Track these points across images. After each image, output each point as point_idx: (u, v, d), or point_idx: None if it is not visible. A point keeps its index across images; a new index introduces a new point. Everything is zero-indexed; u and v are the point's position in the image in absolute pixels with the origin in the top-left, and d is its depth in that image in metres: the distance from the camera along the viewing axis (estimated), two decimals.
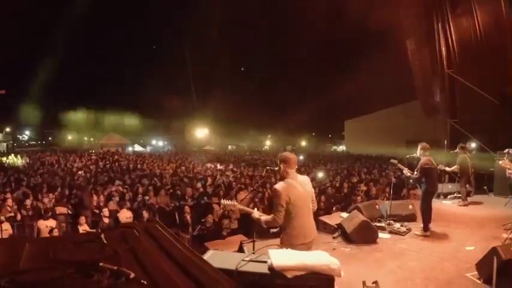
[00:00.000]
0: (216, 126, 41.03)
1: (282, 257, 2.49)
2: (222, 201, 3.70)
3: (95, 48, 48.32)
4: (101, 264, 1.08)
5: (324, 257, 2.55)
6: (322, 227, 6.13)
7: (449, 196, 7.90)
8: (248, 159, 24.35)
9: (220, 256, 2.84)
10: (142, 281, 1.03)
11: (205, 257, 2.61)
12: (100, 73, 47.16)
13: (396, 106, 26.17)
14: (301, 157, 19.68)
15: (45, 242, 1.85)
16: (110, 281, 1.01)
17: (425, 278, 4.15)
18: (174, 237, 1.51)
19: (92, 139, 43.72)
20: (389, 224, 6.10)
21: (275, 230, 4.01)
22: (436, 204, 6.60)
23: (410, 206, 6.70)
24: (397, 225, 6.06)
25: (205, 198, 8.75)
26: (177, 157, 23.48)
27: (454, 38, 9.98)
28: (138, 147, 40.38)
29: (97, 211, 7.52)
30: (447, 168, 7.42)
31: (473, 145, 9.59)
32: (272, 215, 3.07)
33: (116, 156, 22.32)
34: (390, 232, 5.93)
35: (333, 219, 6.42)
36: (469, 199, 7.46)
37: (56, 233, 6.17)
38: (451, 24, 10.00)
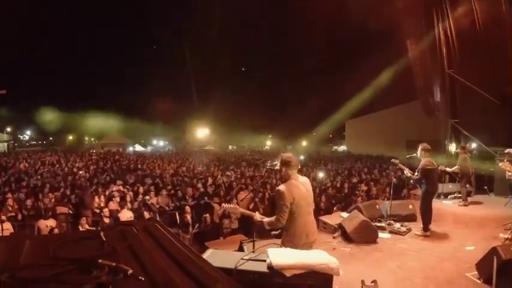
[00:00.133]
0: (216, 126, 41.09)
1: (280, 256, 2.50)
2: (224, 205, 3.72)
3: (95, 48, 48.54)
4: (99, 260, 1.09)
5: (323, 256, 2.56)
6: (322, 226, 6.15)
7: (449, 196, 7.90)
8: (249, 159, 24.32)
9: (220, 255, 2.84)
10: (140, 277, 1.04)
11: (205, 256, 2.62)
12: (100, 73, 47.39)
13: (397, 106, 26.10)
14: (302, 157, 19.64)
15: (45, 239, 1.87)
16: (109, 277, 1.03)
17: (425, 277, 4.15)
18: (173, 235, 1.51)
19: (92, 139, 43.79)
20: (389, 224, 6.10)
21: (276, 233, 4.01)
22: (437, 204, 6.61)
23: (410, 206, 6.71)
24: (397, 225, 6.07)
25: (205, 198, 8.76)
26: (177, 157, 23.48)
27: (454, 38, 9.98)
28: (138, 147, 40.46)
29: (98, 211, 7.53)
30: (448, 169, 7.42)
31: (473, 145, 9.59)
32: (276, 216, 3.05)
33: (116, 156, 22.35)
34: (390, 232, 5.93)
35: (333, 219, 6.43)
36: (470, 199, 7.46)
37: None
38: (451, 24, 10.01)
